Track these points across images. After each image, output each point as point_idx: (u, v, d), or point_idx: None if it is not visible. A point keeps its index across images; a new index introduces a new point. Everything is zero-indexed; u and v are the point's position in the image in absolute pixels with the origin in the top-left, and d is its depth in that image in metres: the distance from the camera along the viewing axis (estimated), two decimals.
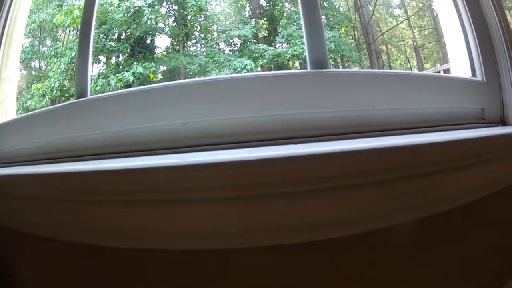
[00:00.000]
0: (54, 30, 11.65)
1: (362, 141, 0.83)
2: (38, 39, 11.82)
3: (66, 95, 10.36)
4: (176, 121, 0.92)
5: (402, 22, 13.67)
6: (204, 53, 11.41)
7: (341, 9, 12.89)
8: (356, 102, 0.93)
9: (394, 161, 0.74)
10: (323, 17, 11.61)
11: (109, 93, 1.05)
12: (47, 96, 10.34)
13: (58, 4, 11.23)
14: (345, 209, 0.76)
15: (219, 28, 12.12)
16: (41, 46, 11.94)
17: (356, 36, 13.57)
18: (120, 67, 10.56)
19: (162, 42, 12.94)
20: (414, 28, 13.50)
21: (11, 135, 1.19)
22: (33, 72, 11.85)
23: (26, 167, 1.01)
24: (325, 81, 0.93)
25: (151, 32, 11.23)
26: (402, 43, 13.89)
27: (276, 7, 12.07)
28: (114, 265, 0.86)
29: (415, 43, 13.52)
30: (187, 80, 0.97)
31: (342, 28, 12.34)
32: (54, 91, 10.31)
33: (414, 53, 13.66)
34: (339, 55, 11.79)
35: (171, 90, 0.95)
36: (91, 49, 1.16)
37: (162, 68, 11.14)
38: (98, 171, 0.77)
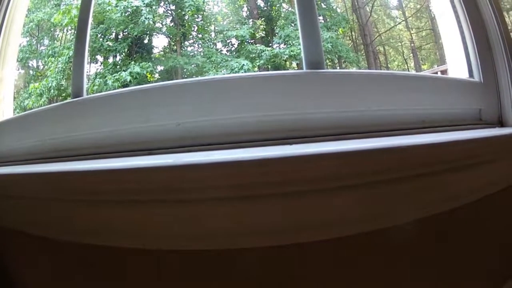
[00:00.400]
0: (52, 29, 11.62)
1: (358, 141, 0.83)
2: (36, 38, 11.78)
3: (64, 95, 10.34)
4: (171, 121, 0.92)
5: (399, 23, 13.69)
6: (202, 53, 11.39)
7: (338, 10, 12.88)
8: (352, 103, 0.93)
9: (390, 161, 0.74)
10: (321, 18, 11.62)
11: (105, 92, 1.05)
12: (44, 96, 10.31)
13: (56, 3, 11.20)
14: (343, 210, 0.76)
15: (216, 28, 12.11)
16: (38, 45, 11.91)
17: (354, 37, 13.57)
18: (118, 66, 10.53)
19: (159, 42, 13.02)
20: (412, 29, 13.51)
21: (8, 134, 1.19)
22: (31, 72, 11.83)
23: (23, 167, 1.01)
24: (321, 82, 0.92)
25: (148, 32, 11.20)
26: (400, 44, 13.90)
27: (273, 7, 12.06)
28: (113, 265, 0.86)
29: (412, 45, 13.53)
30: (182, 80, 0.97)
31: (340, 29, 12.33)
32: (52, 91, 10.29)
33: (411, 54, 13.67)
34: (337, 56, 11.78)
35: (166, 90, 0.95)
36: (87, 49, 1.16)
37: (160, 68, 11.12)
38: (94, 170, 0.77)
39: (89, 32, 1.18)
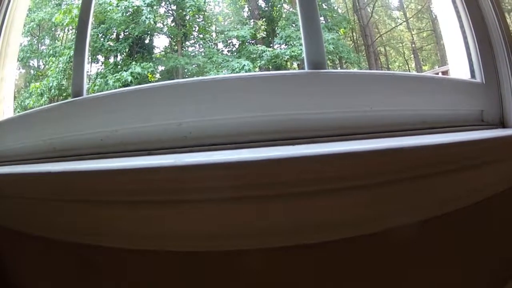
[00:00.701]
0: (52, 29, 11.64)
1: (360, 142, 0.82)
2: (37, 38, 11.80)
3: (64, 94, 10.35)
4: (171, 121, 0.92)
5: (400, 24, 13.69)
6: (203, 54, 11.39)
7: (339, 11, 12.90)
8: (354, 103, 0.92)
9: (392, 162, 0.73)
10: (322, 18, 11.61)
11: (105, 92, 1.04)
12: (45, 95, 10.33)
13: (57, 3, 11.22)
14: (344, 211, 0.76)
15: (217, 28, 12.10)
16: (39, 45, 11.92)
17: (355, 37, 13.58)
18: (119, 66, 10.54)
19: (160, 42, 13.02)
20: (413, 30, 13.51)
21: (8, 134, 1.19)
22: (32, 71, 11.84)
23: (23, 167, 1.00)
24: (323, 82, 0.92)
25: (149, 32, 11.20)
26: (401, 45, 13.90)
27: (274, 8, 12.06)
28: (113, 265, 0.86)
29: (413, 45, 13.53)
30: (183, 80, 0.97)
31: (341, 30, 12.33)
32: (53, 90, 10.30)
33: (412, 55, 13.67)
34: (338, 56, 11.78)
35: (167, 90, 0.94)
36: (87, 48, 1.15)
37: (160, 68, 11.13)
38: (94, 170, 0.77)
39: (89, 31, 1.18)
